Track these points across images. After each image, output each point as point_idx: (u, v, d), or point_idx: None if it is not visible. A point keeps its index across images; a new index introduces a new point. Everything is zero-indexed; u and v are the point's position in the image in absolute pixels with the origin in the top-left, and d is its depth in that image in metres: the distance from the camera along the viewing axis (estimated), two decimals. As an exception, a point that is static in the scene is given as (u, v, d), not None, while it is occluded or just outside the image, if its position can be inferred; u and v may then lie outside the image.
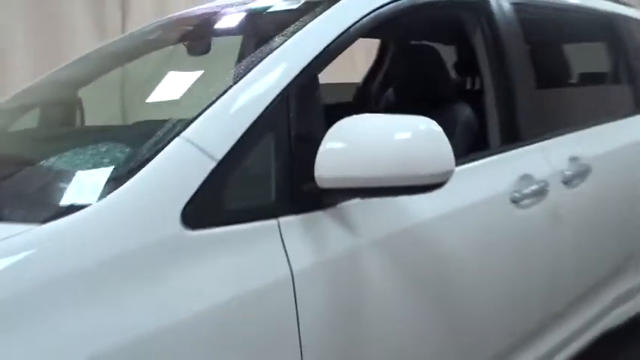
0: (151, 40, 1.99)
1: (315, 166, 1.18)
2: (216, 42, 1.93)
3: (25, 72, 3.19)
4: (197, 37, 1.99)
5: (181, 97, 1.52)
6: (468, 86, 2.58)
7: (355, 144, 1.16)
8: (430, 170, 1.15)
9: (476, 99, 1.96)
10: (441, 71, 2.10)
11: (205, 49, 1.87)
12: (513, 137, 1.82)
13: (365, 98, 2.89)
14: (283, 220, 1.17)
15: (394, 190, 1.17)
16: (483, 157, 1.70)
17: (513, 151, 1.78)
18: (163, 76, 1.73)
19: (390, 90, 2.64)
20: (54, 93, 1.95)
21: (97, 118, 1.99)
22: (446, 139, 1.18)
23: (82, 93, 1.98)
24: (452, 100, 2.07)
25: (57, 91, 1.96)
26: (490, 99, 1.87)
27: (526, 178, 1.74)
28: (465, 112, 2.00)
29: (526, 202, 1.70)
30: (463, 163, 1.61)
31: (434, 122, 1.19)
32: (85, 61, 2.00)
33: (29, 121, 1.94)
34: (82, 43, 3.28)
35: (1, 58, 3.23)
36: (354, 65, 3.47)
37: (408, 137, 1.16)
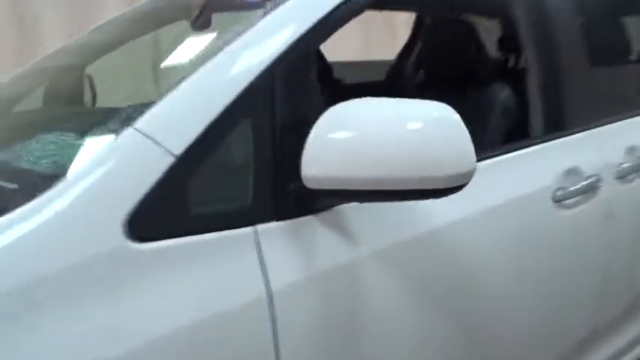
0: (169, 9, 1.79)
1: (302, 163, 0.97)
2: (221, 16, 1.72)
3: (56, 40, 3.11)
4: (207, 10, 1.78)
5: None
6: (511, 65, 2.30)
7: (350, 136, 0.94)
8: (445, 171, 0.92)
9: (519, 79, 1.70)
10: (476, 47, 1.83)
11: (207, 24, 1.67)
12: (559, 124, 1.56)
13: (398, 77, 2.64)
14: (262, 227, 0.96)
15: (400, 194, 0.94)
16: (522, 147, 1.45)
17: (559, 140, 1.51)
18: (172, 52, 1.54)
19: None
20: (60, 69, 1.79)
21: (109, 96, 1.82)
22: (466, 130, 0.94)
23: (93, 68, 1.82)
24: (489, 80, 1.81)
25: (63, 67, 1.79)
26: (533, 79, 1.60)
27: (573, 173, 1.48)
28: (502, 93, 1.74)
29: (571, 200, 1.44)
30: (497, 154, 1.37)
31: (450, 109, 0.95)
32: (99, 32, 1.82)
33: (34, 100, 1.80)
34: (114, 9, 3.18)
35: (32, 26, 3.15)
36: (395, 42, 3.23)
37: (417, 128, 0.93)
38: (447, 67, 1.86)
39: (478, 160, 1.32)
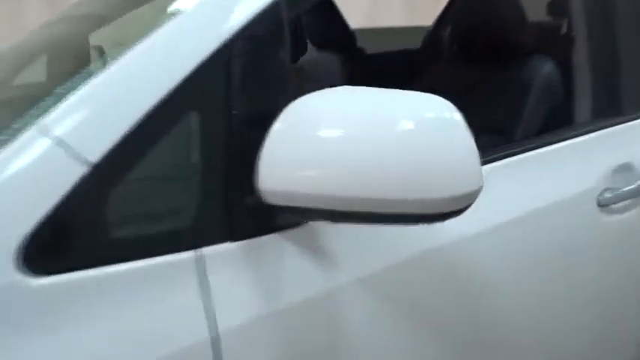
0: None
1: (258, 172, 0.75)
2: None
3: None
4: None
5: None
6: (556, 34, 2.00)
7: (319, 139, 0.72)
8: (441, 192, 0.69)
9: (565, 51, 1.43)
10: (513, 12, 1.55)
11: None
12: (611, 108, 1.29)
13: (435, 44, 2.37)
14: (210, 250, 0.76)
15: (382, 217, 0.72)
16: (564, 137, 1.19)
17: (609, 130, 1.25)
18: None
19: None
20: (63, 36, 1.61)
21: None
22: (470, 136, 0.71)
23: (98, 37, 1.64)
24: (529, 51, 1.54)
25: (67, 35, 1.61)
26: (581, 51, 1.33)
27: (625, 170, 1.22)
28: (543, 68, 1.47)
29: (621, 204, 1.19)
30: (530, 148, 1.13)
31: (451, 106, 0.72)
32: None
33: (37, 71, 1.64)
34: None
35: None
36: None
37: (406, 131, 0.70)
38: (482, 36, 1.60)
39: (506, 156, 1.10)
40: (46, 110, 0.71)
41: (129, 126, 0.71)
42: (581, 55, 1.35)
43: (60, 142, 0.69)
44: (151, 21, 0.81)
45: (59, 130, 0.69)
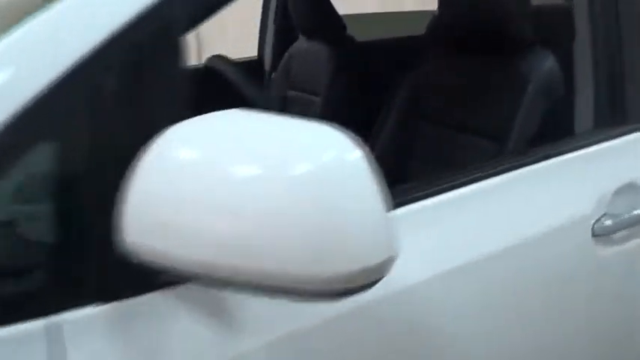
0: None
1: (122, 219, 0.59)
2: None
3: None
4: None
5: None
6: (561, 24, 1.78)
7: (190, 183, 0.55)
8: (336, 265, 0.52)
9: (569, 46, 1.23)
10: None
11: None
12: (616, 117, 1.10)
13: (441, 30, 2.16)
14: (69, 316, 0.60)
15: (265, 288, 0.55)
16: (557, 152, 1.01)
17: (611, 142, 1.06)
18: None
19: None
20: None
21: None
22: (376, 186, 0.53)
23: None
24: (529, 43, 1.33)
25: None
26: (582, 51, 1.14)
27: (628, 191, 1.03)
28: (543, 64, 1.26)
29: (621, 234, 1.00)
30: (515, 166, 0.95)
31: (353, 144, 0.54)
32: None
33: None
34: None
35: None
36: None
37: (299, 179, 0.53)
38: (476, 26, 1.40)
39: (487, 176, 0.92)
40: None
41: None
42: (583, 50, 1.15)
43: None
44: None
45: None
